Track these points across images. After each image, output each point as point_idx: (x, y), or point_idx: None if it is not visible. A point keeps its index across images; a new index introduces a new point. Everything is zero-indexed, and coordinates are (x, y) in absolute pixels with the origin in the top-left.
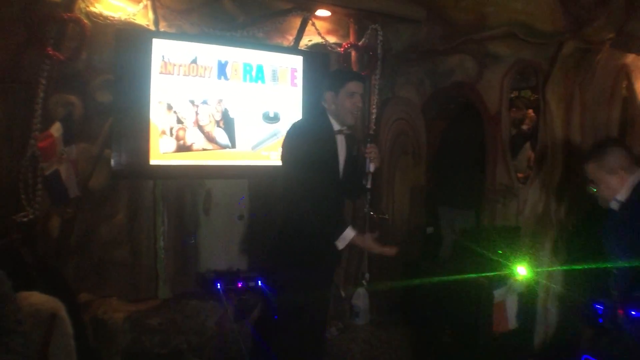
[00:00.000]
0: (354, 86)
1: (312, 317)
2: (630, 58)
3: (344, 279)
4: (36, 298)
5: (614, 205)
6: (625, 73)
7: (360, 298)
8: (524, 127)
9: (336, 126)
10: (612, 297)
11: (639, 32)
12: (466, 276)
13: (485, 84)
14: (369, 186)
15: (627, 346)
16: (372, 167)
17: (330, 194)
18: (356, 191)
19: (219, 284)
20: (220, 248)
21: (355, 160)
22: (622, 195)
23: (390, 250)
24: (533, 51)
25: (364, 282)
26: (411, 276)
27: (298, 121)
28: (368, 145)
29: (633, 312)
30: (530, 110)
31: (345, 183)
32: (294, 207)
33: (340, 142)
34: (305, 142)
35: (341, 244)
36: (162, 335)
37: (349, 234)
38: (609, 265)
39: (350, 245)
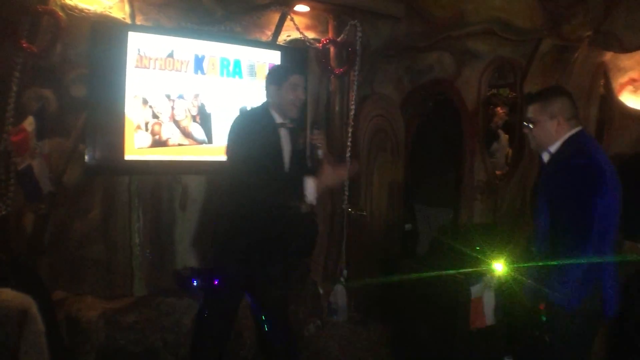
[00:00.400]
0: (296, 79)
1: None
2: (608, 56)
3: (322, 276)
4: (6, 295)
5: (545, 157)
6: (602, 71)
7: (338, 295)
8: (492, 125)
9: (279, 119)
10: (532, 254)
11: (617, 30)
12: (443, 272)
13: (464, 80)
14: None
15: None
16: (320, 154)
17: (273, 187)
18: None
19: (195, 281)
20: (197, 245)
21: (302, 153)
22: (554, 147)
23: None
24: (511, 48)
25: (341, 279)
26: (389, 273)
27: (238, 115)
28: (314, 132)
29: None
30: (499, 108)
31: (292, 176)
32: (238, 201)
33: (284, 136)
34: (245, 136)
35: (312, 197)
36: (137, 333)
37: (310, 183)
38: (585, 261)
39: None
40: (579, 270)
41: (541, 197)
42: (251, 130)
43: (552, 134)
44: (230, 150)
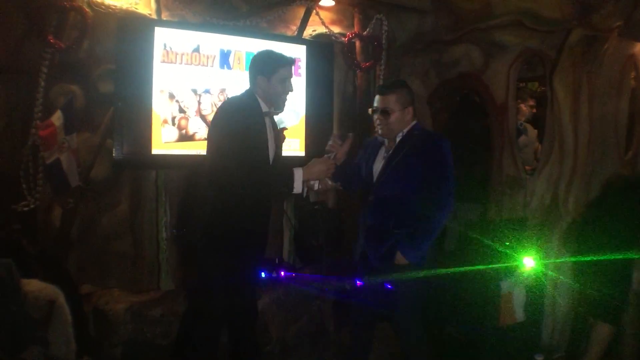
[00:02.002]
0: (286, 72)
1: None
2: (638, 48)
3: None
4: (34, 285)
5: (389, 141)
6: (633, 63)
7: None
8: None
9: (264, 107)
10: (363, 227)
11: None
12: (472, 267)
13: (492, 74)
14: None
15: None
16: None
17: (260, 179)
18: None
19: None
20: None
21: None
22: (402, 133)
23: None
24: (540, 40)
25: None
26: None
27: (225, 102)
28: (334, 138)
29: None
30: (522, 104)
31: (276, 166)
32: (220, 193)
33: (269, 125)
34: (236, 125)
35: (298, 186)
36: (164, 326)
37: (298, 173)
38: (618, 257)
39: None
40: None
41: (399, 171)
42: (241, 119)
43: (407, 121)
44: (217, 139)
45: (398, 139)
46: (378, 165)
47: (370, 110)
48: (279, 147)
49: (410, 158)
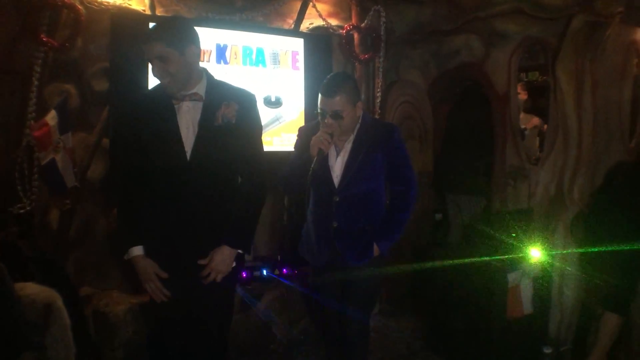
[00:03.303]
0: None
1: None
2: None
3: None
4: (31, 289)
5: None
6: (635, 50)
7: None
8: None
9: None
10: (325, 229)
11: None
12: (479, 259)
13: (493, 63)
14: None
15: None
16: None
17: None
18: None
19: (264, 271)
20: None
21: (223, 132)
22: (356, 128)
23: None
24: (541, 27)
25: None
26: (421, 263)
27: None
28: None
29: None
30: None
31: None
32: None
33: (186, 111)
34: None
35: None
36: None
37: (134, 251)
38: (625, 248)
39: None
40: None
41: (365, 168)
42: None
43: (357, 117)
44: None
45: (354, 135)
46: (335, 162)
47: (317, 112)
48: None
49: (373, 153)
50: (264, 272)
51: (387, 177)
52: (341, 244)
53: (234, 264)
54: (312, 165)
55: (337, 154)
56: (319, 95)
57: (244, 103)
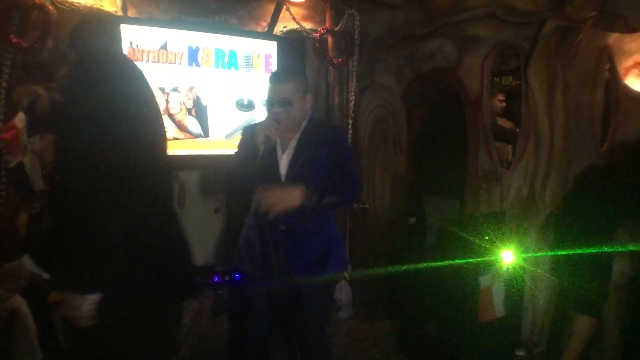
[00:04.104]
0: None
1: None
2: (613, 39)
3: None
4: None
5: (301, 129)
6: (607, 55)
7: (343, 291)
8: None
9: None
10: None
11: (621, 9)
12: (450, 262)
13: (466, 67)
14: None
15: None
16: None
17: None
18: None
19: (216, 277)
20: (196, 242)
21: None
22: (305, 122)
23: None
24: (514, 32)
25: (345, 274)
26: (394, 267)
27: None
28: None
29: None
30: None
31: None
32: None
33: None
34: None
35: None
36: None
37: None
38: (594, 250)
39: None
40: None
41: (311, 166)
42: None
43: (306, 110)
44: None
45: (300, 132)
46: (281, 160)
47: (265, 101)
48: None
49: (319, 151)
50: (237, 276)
51: (335, 177)
52: (289, 249)
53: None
54: (258, 158)
55: (283, 151)
56: (268, 84)
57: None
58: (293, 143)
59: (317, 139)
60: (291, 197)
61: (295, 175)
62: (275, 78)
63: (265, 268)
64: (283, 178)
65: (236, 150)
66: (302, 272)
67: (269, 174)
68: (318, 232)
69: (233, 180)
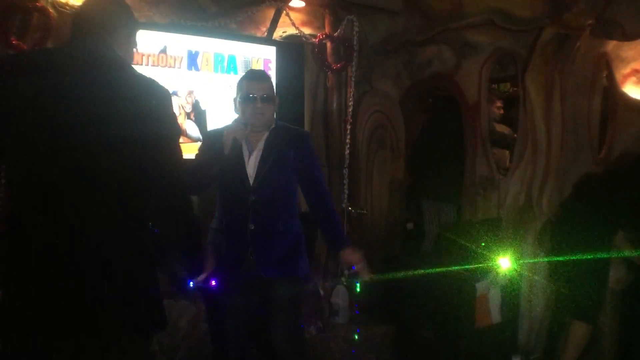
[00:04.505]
0: None
1: None
2: (610, 46)
3: (323, 277)
4: None
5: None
6: (605, 62)
7: (340, 296)
8: None
9: None
10: (239, 231)
11: (619, 18)
12: (447, 269)
13: (464, 74)
14: None
15: None
16: None
17: None
18: None
19: (191, 282)
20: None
21: None
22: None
23: None
24: (512, 39)
25: (343, 279)
26: (392, 272)
27: None
28: None
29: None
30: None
31: None
32: None
33: None
34: None
35: None
36: None
37: None
38: (591, 256)
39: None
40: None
41: (280, 167)
42: None
43: (275, 112)
44: None
45: (267, 134)
46: (248, 162)
47: (247, 96)
48: None
49: (287, 152)
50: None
51: (298, 179)
52: (258, 249)
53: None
54: (225, 158)
55: (250, 154)
56: (244, 82)
57: None
58: (261, 145)
59: (283, 141)
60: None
61: (265, 176)
62: (256, 75)
63: (234, 268)
64: (251, 179)
65: (196, 153)
66: (271, 271)
67: (235, 175)
68: (286, 232)
69: (195, 182)
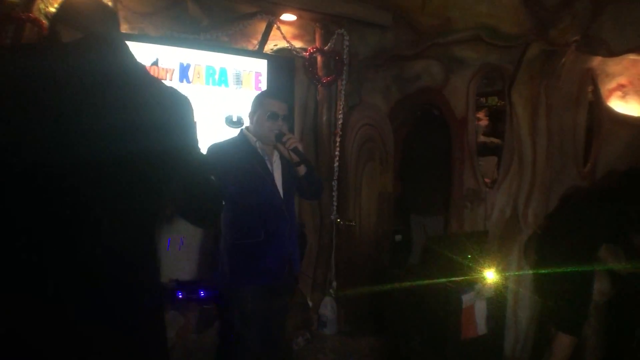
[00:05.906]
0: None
1: None
2: (596, 62)
3: (311, 288)
4: None
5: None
6: (590, 77)
7: (328, 307)
8: None
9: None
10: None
11: (604, 34)
12: (434, 281)
13: (452, 88)
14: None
15: None
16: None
17: None
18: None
19: (180, 294)
20: (184, 257)
21: None
22: None
23: None
24: (499, 55)
25: (331, 290)
26: (380, 283)
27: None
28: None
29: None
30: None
31: None
32: None
33: None
34: None
35: None
36: None
37: None
38: (576, 269)
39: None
40: None
41: (292, 177)
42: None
43: None
44: None
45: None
46: (276, 174)
47: (273, 114)
48: None
49: (288, 161)
50: (201, 294)
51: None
52: (294, 250)
53: None
54: (253, 170)
55: (271, 166)
56: (267, 100)
57: None
58: (276, 158)
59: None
60: None
61: (289, 187)
62: (280, 96)
63: (278, 274)
64: (281, 190)
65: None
66: (297, 267)
67: (268, 188)
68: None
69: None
